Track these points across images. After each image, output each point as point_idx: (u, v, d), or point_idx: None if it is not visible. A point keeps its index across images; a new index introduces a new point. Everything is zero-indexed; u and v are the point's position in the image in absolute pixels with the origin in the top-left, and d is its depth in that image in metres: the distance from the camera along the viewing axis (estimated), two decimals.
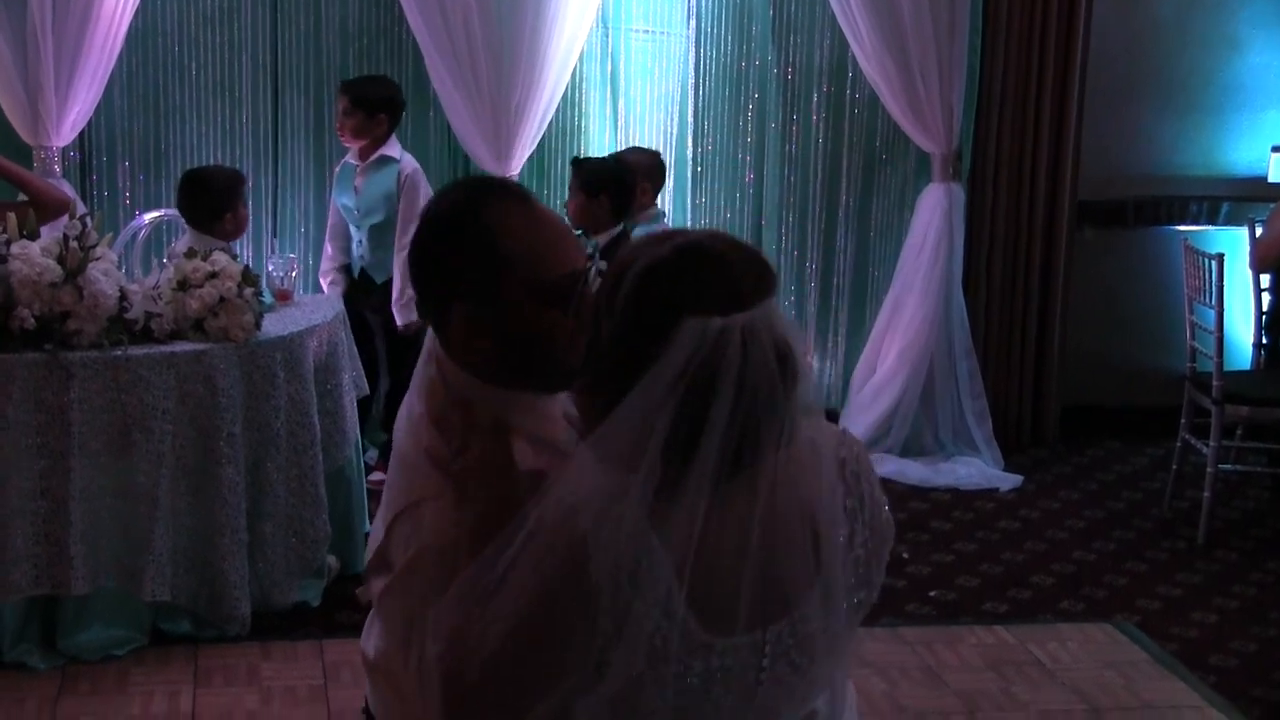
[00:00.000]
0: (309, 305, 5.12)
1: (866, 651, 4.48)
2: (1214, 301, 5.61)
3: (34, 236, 4.41)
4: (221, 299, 4.47)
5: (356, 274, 5.97)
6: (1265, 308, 6.39)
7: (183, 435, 4.42)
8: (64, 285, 4.27)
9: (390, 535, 1.90)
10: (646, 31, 6.53)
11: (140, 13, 5.85)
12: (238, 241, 5.40)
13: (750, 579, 1.64)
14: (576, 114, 6.47)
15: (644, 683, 1.63)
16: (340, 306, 5.21)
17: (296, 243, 6.33)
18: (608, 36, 6.44)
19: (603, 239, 5.21)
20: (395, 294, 5.78)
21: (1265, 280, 6.40)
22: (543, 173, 6.44)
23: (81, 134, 5.93)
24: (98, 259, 4.35)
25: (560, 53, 6.11)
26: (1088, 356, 6.88)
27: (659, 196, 5.84)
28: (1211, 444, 5.68)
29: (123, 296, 4.40)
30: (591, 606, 1.60)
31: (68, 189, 5.51)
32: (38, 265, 4.24)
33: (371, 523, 5.04)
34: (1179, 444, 5.95)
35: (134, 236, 5.73)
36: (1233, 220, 6.81)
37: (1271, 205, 6.28)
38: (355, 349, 5.22)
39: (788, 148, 6.65)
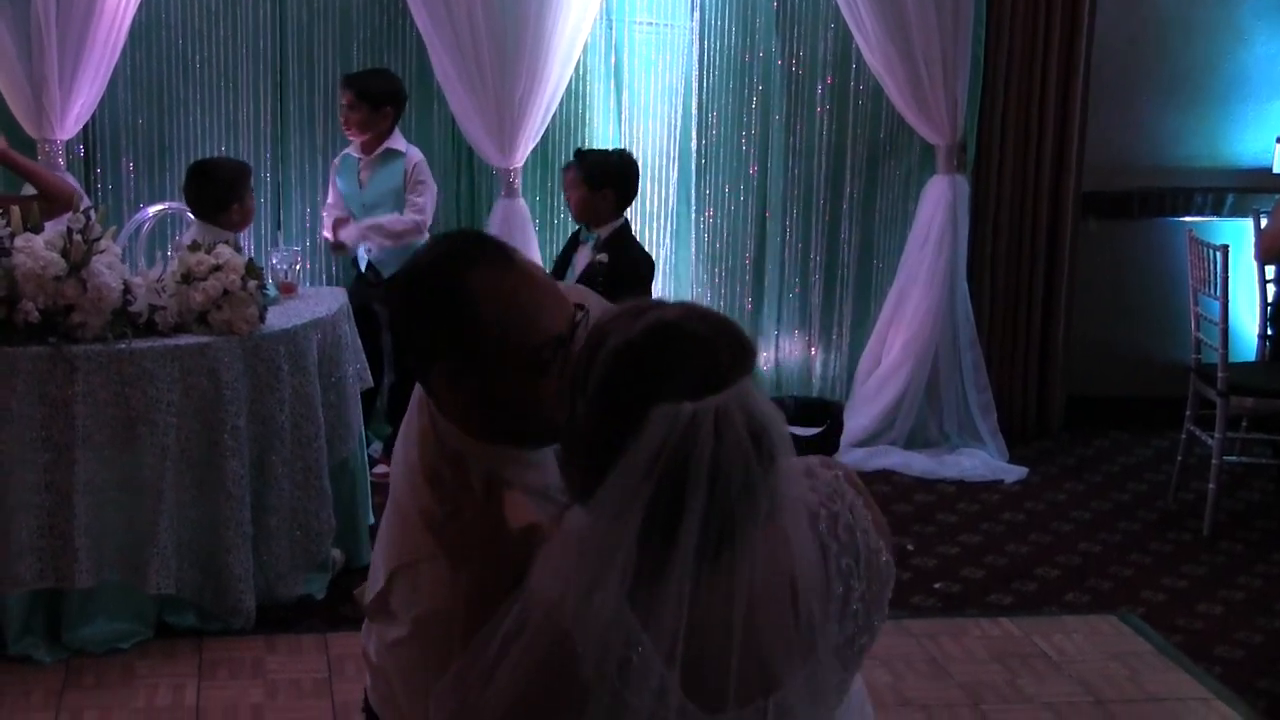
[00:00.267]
0: (313, 298, 5.12)
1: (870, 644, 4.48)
2: (1219, 293, 5.60)
3: (38, 230, 4.40)
4: (225, 292, 4.47)
5: (364, 268, 5.97)
6: (1270, 299, 6.38)
7: (187, 428, 4.42)
8: (68, 278, 4.27)
9: (390, 587, 1.89)
10: (650, 24, 6.52)
11: (144, 6, 5.85)
12: (243, 237, 5.40)
13: (740, 657, 1.62)
14: (580, 106, 6.47)
15: None
16: (344, 299, 5.20)
17: (300, 236, 6.32)
18: (611, 29, 6.43)
19: (605, 232, 5.21)
20: (370, 221, 5.77)
21: (1270, 271, 6.38)
22: (546, 165, 6.43)
23: (85, 127, 5.93)
24: (101, 252, 4.35)
25: (564, 45, 6.10)
26: (1092, 348, 6.88)
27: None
28: (1216, 435, 5.67)
29: (127, 289, 4.40)
30: (582, 702, 1.59)
31: (71, 181, 5.51)
32: (42, 258, 4.24)
33: (376, 516, 5.08)
34: (1184, 436, 5.94)
35: (138, 229, 5.73)
36: (1238, 211, 6.79)
37: (1276, 196, 6.27)
38: (359, 342, 5.21)
39: (792, 140, 6.64)
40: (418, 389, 1.96)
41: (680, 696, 1.61)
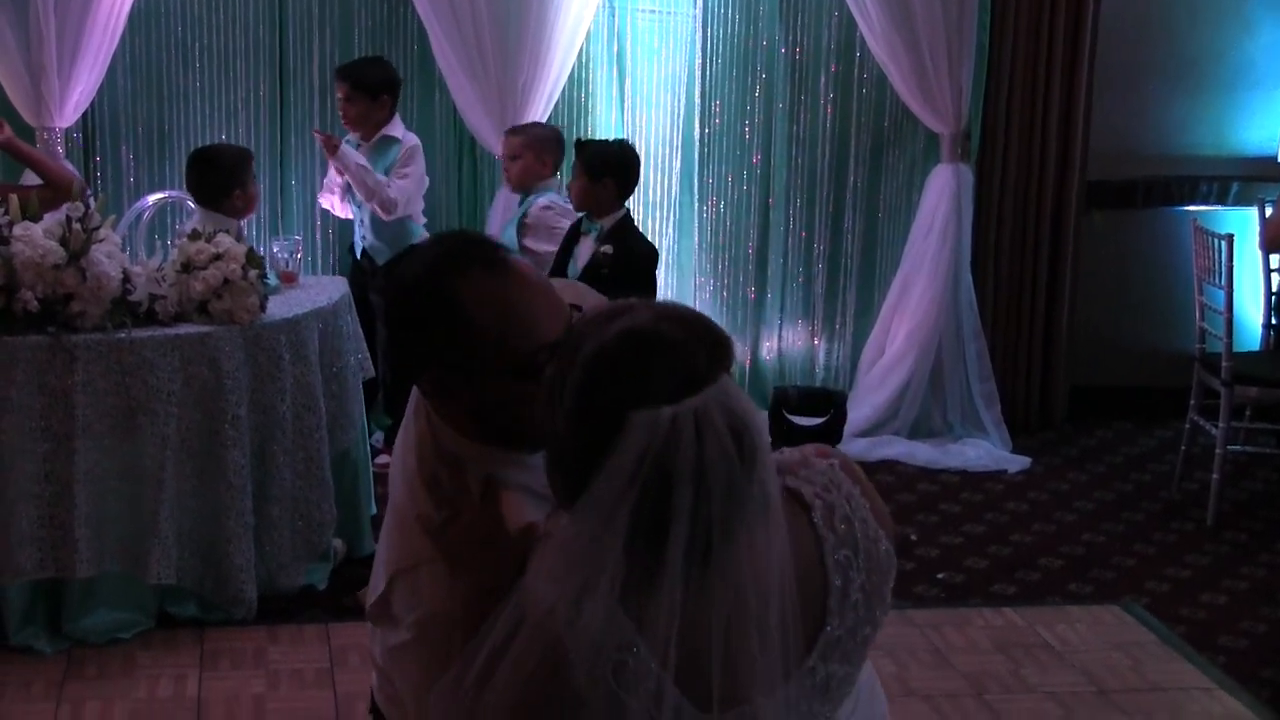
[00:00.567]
0: (314, 287, 5.10)
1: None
2: (1223, 282, 5.58)
3: (36, 218, 4.39)
4: (226, 281, 4.45)
5: (359, 255, 5.95)
6: (1275, 288, 6.36)
7: (187, 418, 4.40)
8: (67, 267, 4.25)
9: (391, 591, 1.89)
10: (653, 11, 6.50)
11: None
12: (245, 225, 5.37)
13: (727, 659, 1.61)
14: (583, 94, 6.44)
15: None
16: (345, 289, 5.19)
17: (301, 225, 6.30)
18: (614, 16, 6.40)
19: (607, 222, 5.19)
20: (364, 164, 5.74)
21: (1275, 261, 6.37)
22: None
23: (85, 115, 5.91)
24: (101, 241, 4.33)
25: (566, 32, 6.07)
26: (1096, 337, 6.86)
27: (557, 172, 5.78)
28: (1220, 425, 5.66)
29: (126, 278, 4.38)
30: (578, 706, 1.59)
31: (72, 170, 5.49)
32: (40, 247, 4.23)
33: (378, 507, 5.07)
34: (1188, 425, 5.92)
35: (138, 218, 5.70)
36: (1242, 200, 6.76)
37: None
38: (361, 331, 5.20)
39: (795, 128, 6.61)
40: (415, 392, 1.95)
41: (676, 695, 1.60)
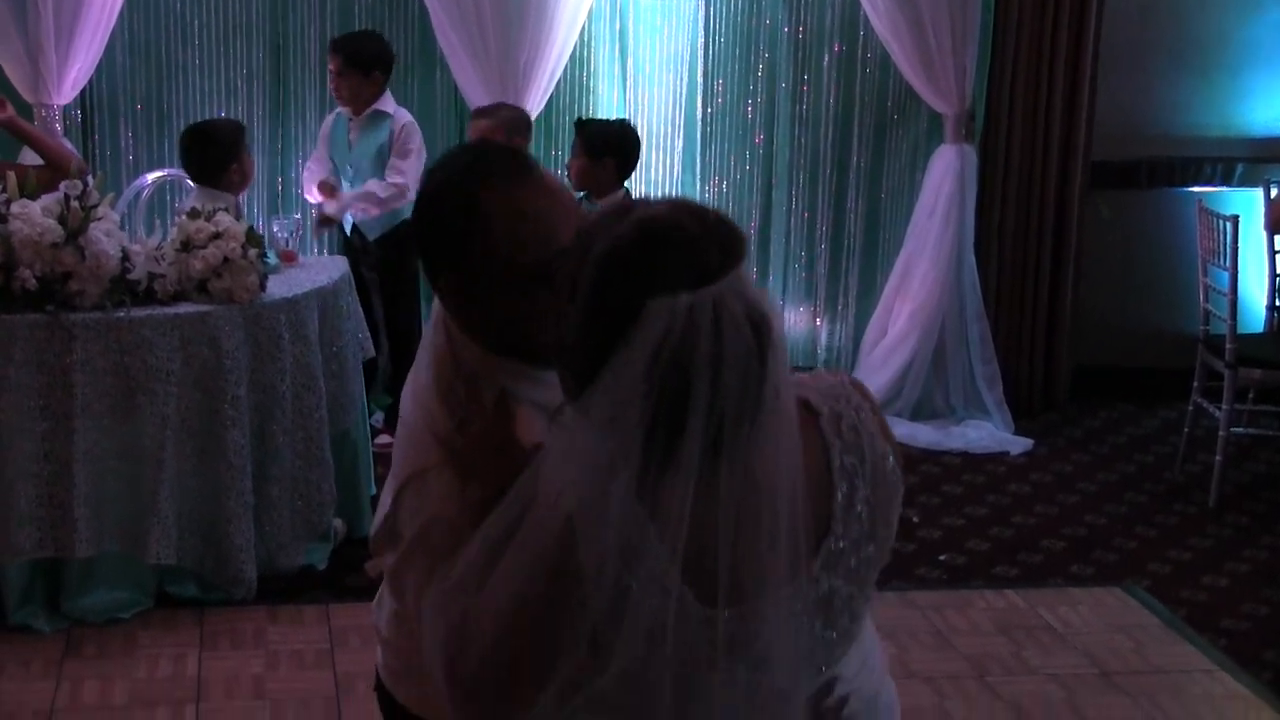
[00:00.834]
0: (314, 266, 5.08)
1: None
2: (1228, 263, 5.56)
3: (34, 197, 4.36)
4: (225, 260, 4.43)
5: (349, 231, 5.91)
6: None
7: (187, 398, 4.39)
8: (65, 245, 4.23)
9: (398, 505, 1.90)
10: None
11: None
12: (244, 199, 5.35)
13: (734, 554, 1.60)
14: (585, 73, 6.42)
15: (650, 660, 1.61)
16: (346, 268, 5.16)
17: (299, 202, 6.27)
18: None
19: (607, 202, 5.16)
20: (355, 191, 5.74)
21: None
22: (550, 133, 6.38)
23: (83, 92, 5.89)
24: (99, 219, 4.31)
25: (568, 11, 6.04)
26: (1099, 319, 6.83)
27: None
28: (1224, 407, 5.64)
29: (125, 257, 4.36)
30: (581, 588, 1.58)
31: (71, 149, 5.47)
32: (39, 225, 4.21)
33: (378, 487, 5.05)
34: (1191, 407, 5.90)
35: (136, 196, 5.68)
36: (1248, 181, 6.73)
37: None
38: (361, 311, 5.18)
39: (798, 108, 6.58)
40: (437, 306, 1.99)
41: (680, 585, 1.60)
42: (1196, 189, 6.67)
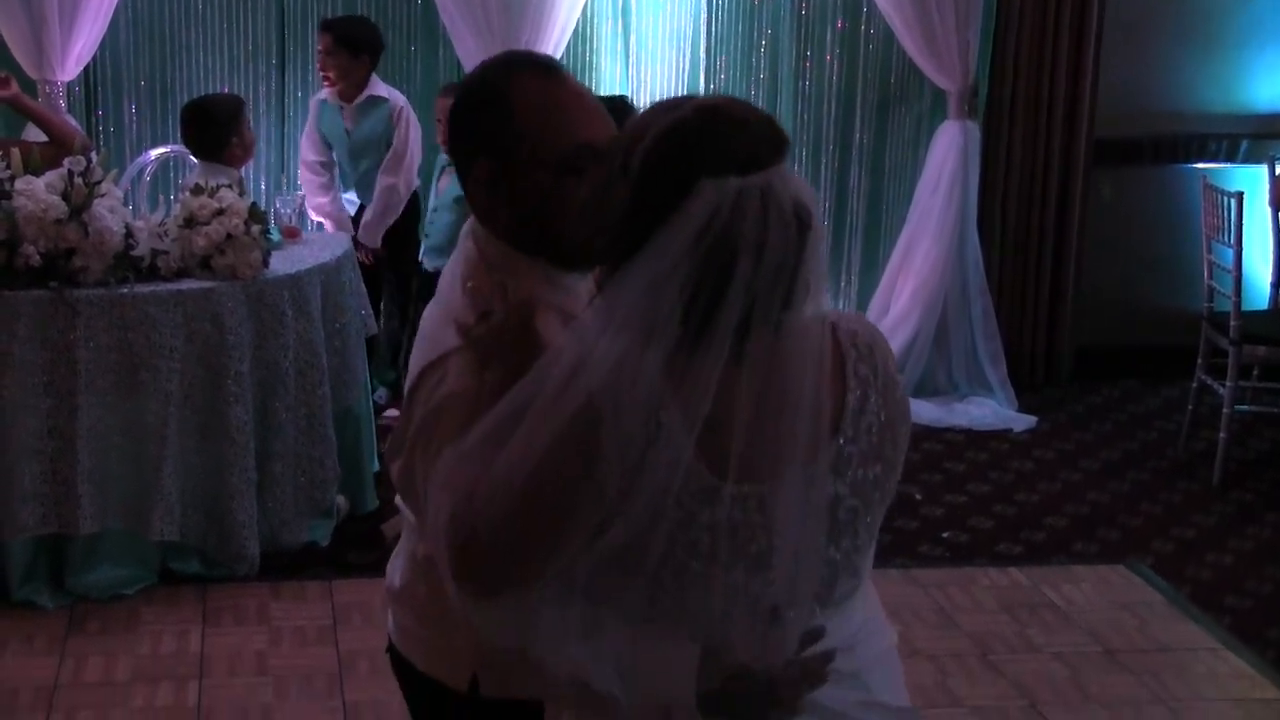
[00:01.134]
0: (317, 243, 5.08)
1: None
2: (1232, 240, 5.54)
3: (38, 173, 4.36)
4: (229, 236, 4.43)
5: (353, 213, 5.92)
6: None
7: (190, 374, 4.39)
8: (69, 222, 4.23)
9: (414, 396, 1.93)
10: None
11: None
12: (249, 173, 5.34)
13: (750, 432, 1.64)
14: (588, 50, 6.39)
15: (652, 531, 1.63)
16: (349, 244, 5.16)
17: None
18: None
19: None
20: (366, 214, 5.76)
21: None
22: None
23: (86, 68, 5.87)
24: (103, 195, 4.31)
25: None
26: (1103, 296, 6.82)
27: None
28: (1228, 384, 5.63)
29: (129, 233, 4.36)
30: (599, 466, 1.60)
31: (74, 125, 5.45)
32: (43, 201, 4.20)
33: (380, 464, 5.05)
34: (1195, 384, 5.90)
35: (140, 172, 5.68)
36: (1252, 158, 6.72)
37: None
38: (364, 287, 5.18)
39: (801, 84, 6.56)
40: (469, 221, 2.04)
41: (692, 457, 1.63)
42: (1201, 165, 6.66)
